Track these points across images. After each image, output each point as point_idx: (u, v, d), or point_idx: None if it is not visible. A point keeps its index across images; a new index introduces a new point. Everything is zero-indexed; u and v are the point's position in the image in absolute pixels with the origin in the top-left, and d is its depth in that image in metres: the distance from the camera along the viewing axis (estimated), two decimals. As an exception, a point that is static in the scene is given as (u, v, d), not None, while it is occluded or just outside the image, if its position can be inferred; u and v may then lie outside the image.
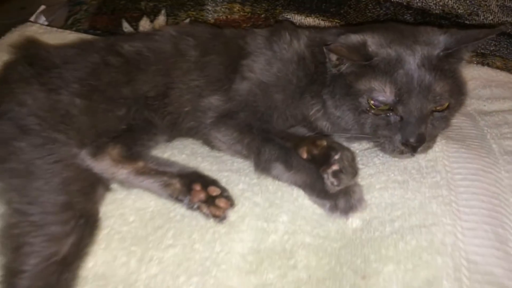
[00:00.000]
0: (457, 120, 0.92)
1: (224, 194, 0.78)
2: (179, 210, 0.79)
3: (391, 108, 0.76)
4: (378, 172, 0.79)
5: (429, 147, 0.80)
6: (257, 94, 0.88)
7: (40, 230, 0.69)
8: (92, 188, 0.78)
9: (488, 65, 1.20)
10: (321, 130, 0.86)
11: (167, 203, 0.80)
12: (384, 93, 0.75)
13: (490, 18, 1.32)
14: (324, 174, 0.74)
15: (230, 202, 0.77)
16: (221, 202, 0.77)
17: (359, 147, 0.86)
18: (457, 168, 0.77)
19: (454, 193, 0.73)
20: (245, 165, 0.85)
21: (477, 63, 1.20)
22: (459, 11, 1.32)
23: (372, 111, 0.77)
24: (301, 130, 0.87)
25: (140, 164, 0.84)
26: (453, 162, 0.78)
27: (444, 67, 0.77)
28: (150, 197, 0.81)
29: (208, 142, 0.90)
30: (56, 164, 0.75)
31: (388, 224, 0.70)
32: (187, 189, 0.79)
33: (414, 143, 0.75)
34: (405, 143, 0.75)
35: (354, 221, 0.73)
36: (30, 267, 0.67)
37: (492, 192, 0.73)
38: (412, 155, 0.77)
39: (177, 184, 0.81)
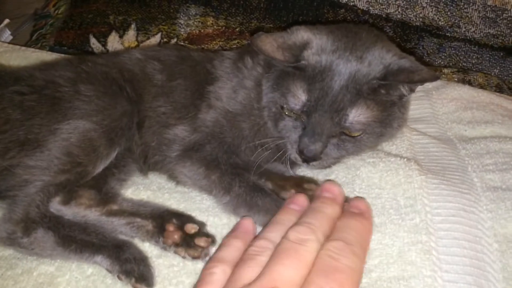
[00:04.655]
0: (437, 149, 0.87)
1: (203, 230, 0.73)
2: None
3: (299, 115, 0.74)
4: (355, 212, 0.74)
5: (327, 166, 0.78)
6: (224, 125, 0.84)
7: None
8: None
9: (469, 82, 1.16)
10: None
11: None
12: (294, 100, 0.73)
13: (472, 30, 1.28)
14: None
15: (211, 239, 0.72)
16: (201, 241, 0.71)
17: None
18: (437, 207, 0.72)
19: (434, 238, 0.68)
20: (215, 203, 0.80)
21: (458, 80, 1.16)
22: (440, 23, 1.28)
23: (285, 112, 0.75)
24: (274, 165, 0.83)
25: (113, 206, 0.78)
26: (433, 200, 0.73)
27: (373, 96, 0.71)
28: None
29: (173, 177, 0.85)
30: None
31: (365, 275, 0.65)
32: (160, 230, 0.74)
33: (306, 156, 0.73)
34: (300, 153, 0.73)
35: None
36: None
37: (474, 236, 0.68)
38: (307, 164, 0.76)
39: (149, 225, 0.75)
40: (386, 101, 0.73)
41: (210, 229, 0.75)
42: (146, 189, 0.84)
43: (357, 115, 0.71)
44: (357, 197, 0.69)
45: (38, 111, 0.78)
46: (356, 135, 0.73)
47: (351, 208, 0.63)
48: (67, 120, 0.78)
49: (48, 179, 0.75)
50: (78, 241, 0.72)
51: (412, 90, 0.76)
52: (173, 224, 0.74)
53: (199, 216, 0.78)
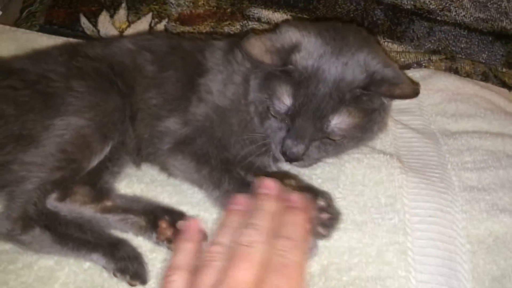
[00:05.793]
0: (420, 144, 0.91)
1: None
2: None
3: (284, 117, 0.77)
4: (338, 210, 0.78)
5: (308, 166, 0.82)
6: (214, 120, 0.86)
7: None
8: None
9: (456, 70, 1.18)
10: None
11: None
12: (279, 104, 0.76)
13: (462, 14, 1.28)
14: None
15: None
16: None
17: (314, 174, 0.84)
18: (415, 207, 0.76)
19: (411, 239, 0.72)
20: (205, 197, 0.84)
21: (446, 67, 1.18)
22: (431, 6, 1.28)
23: (271, 112, 0.78)
24: (263, 160, 0.86)
25: (107, 203, 0.82)
26: (412, 200, 0.77)
27: (355, 104, 0.74)
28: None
29: (165, 169, 0.88)
30: None
31: (345, 272, 0.70)
32: (153, 226, 0.78)
33: (288, 157, 0.77)
34: (283, 153, 0.77)
35: (312, 265, 0.73)
36: None
37: (448, 237, 0.73)
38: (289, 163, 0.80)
39: (142, 221, 0.79)
40: (367, 108, 0.76)
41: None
42: (140, 182, 0.87)
43: (338, 122, 0.73)
44: (292, 192, 0.71)
45: (31, 107, 0.80)
46: (337, 139, 0.76)
47: (289, 203, 0.66)
48: (60, 116, 0.80)
49: (44, 176, 0.77)
50: (75, 239, 0.75)
51: (393, 99, 0.79)
52: (165, 220, 0.78)
53: (190, 210, 0.81)
